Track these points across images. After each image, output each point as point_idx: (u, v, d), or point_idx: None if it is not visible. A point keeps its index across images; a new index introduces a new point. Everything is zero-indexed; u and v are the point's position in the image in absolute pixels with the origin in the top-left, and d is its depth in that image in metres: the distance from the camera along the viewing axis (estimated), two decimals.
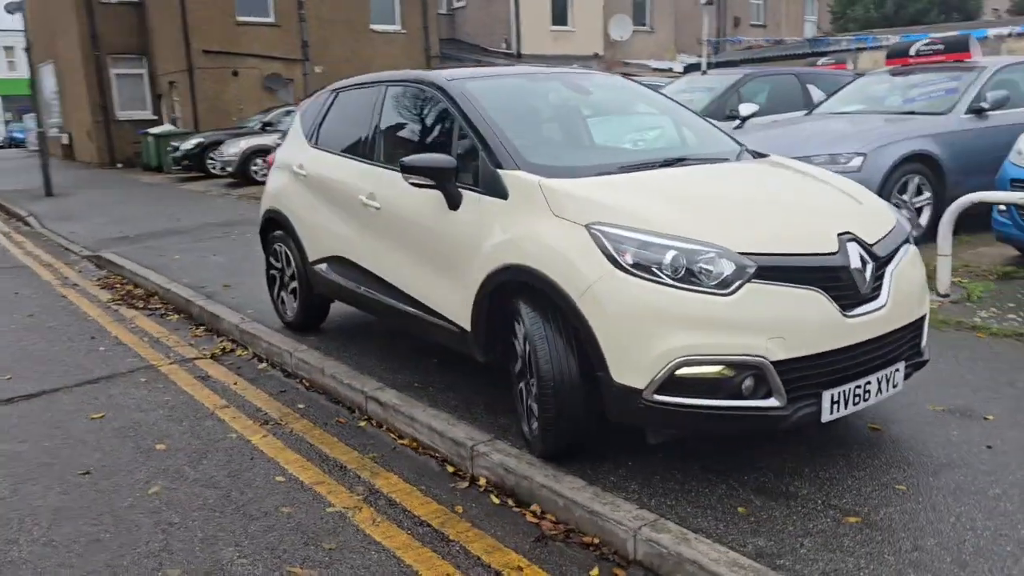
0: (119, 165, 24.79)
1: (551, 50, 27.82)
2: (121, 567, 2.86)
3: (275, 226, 5.44)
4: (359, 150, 4.55)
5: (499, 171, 3.48)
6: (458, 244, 3.64)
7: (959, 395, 3.83)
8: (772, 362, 2.83)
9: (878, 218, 3.35)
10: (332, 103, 5.07)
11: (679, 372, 2.83)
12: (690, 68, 22.38)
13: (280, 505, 3.28)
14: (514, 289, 3.36)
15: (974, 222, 6.25)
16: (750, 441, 3.39)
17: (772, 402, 2.86)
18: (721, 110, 8.83)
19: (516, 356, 3.47)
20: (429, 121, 4.18)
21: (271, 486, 3.45)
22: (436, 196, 3.73)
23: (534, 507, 3.17)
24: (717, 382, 2.85)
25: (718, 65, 18.15)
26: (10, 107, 50.97)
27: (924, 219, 6.71)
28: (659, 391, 2.86)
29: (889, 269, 3.18)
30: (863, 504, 2.88)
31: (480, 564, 2.81)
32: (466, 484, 3.42)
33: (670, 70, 25.47)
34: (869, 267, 3.08)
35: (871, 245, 3.13)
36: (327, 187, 4.77)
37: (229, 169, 16.65)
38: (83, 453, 3.84)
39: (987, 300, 5.26)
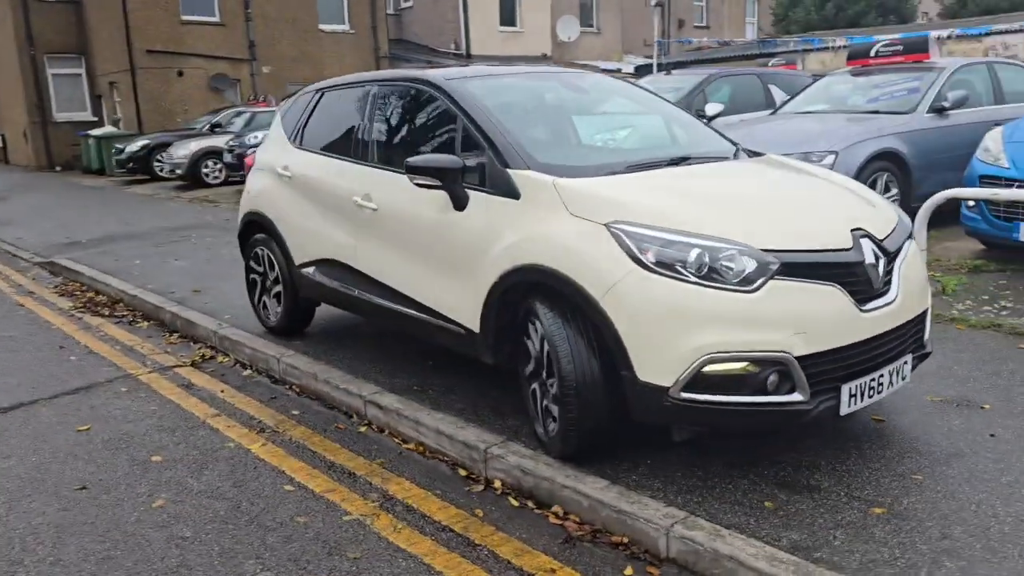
0: (57, 168, 24.00)
1: (500, 51, 27.80)
2: None
3: (257, 229, 5.31)
4: (350, 151, 4.46)
5: (509, 171, 3.45)
6: (465, 245, 3.60)
7: (952, 386, 3.94)
8: (796, 357, 2.86)
9: (883, 214, 3.43)
10: (317, 103, 4.97)
11: (706, 369, 2.85)
12: (641, 69, 22.65)
13: (294, 515, 3.19)
14: (529, 289, 3.33)
15: (936, 218, 6.43)
16: (763, 436, 3.42)
17: (796, 397, 2.89)
18: (687, 110, 8.90)
19: (528, 357, 3.45)
20: (427, 121, 4.12)
21: (281, 495, 3.36)
22: (440, 196, 3.68)
23: (555, 508, 3.14)
24: (743, 378, 2.87)
25: (669, 66, 18.36)
26: None
27: None
28: (686, 388, 2.87)
29: (897, 264, 3.25)
30: (884, 495, 2.94)
31: (512, 568, 2.78)
32: (481, 487, 3.38)
33: (619, 71, 25.69)
34: (881, 262, 3.14)
35: (881, 240, 3.20)
36: (316, 189, 4.67)
37: (179, 172, 16.25)
38: (75, 467, 3.69)
39: (962, 293, 5.43)
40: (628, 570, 2.73)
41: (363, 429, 4.06)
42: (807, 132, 6.87)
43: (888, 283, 3.17)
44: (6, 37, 24.11)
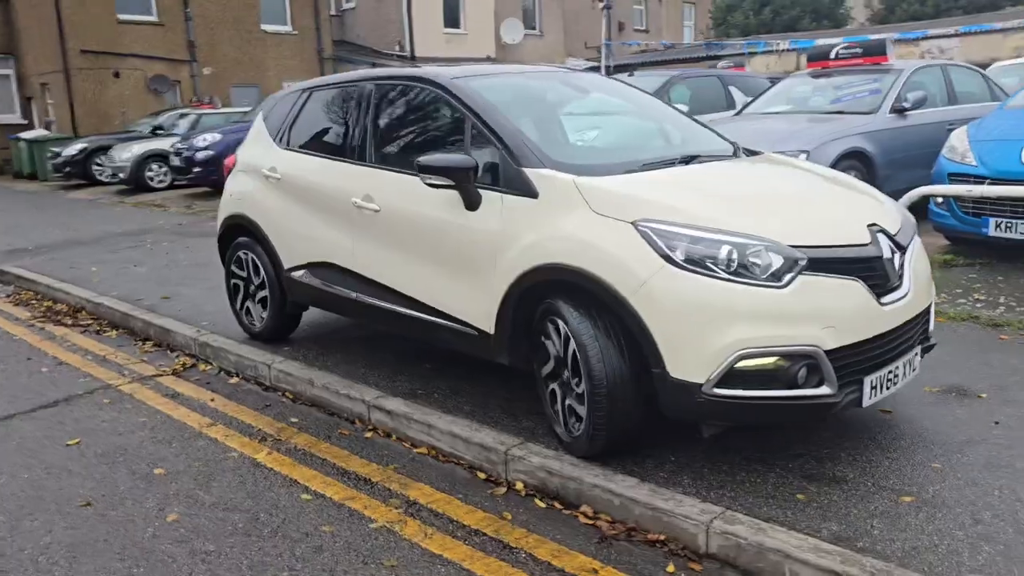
0: None
1: (444, 52, 27.69)
2: None
3: (240, 233, 5.16)
4: (346, 151, 4.36)
5: (525, 170, 3.42)
6: (478, 245, 3.56)
7: (946, 376, 4.06)
8: (825, 351, 2.91)
9: (891, 210, 3.51)
10: (305, 103, 4.85)
11: (739, 365, 2.87)
12: (589, 72, 22.80)
13: (319, 524, 3.11)
14: (550, 289, 3.31)
15: None
16: (779, 429, 3.47)
17: (825, 390, 2.94)
18: None
19: (546, 357, 3.43)
20: (431, 120, 4.07)
21: (300, 505, 3.27)
22: (450, 196, 3.63)
23: (584, 508, 3.13)
24: (774, 373, 2.90)
25: (616, 68, 18.58)
26: None
27: None
28: (719, 384, 2.88)
29: (907, 258, 3.33)
30: (909, 483, 3.00)
31: (554, 569, 2.76)
32: (504, 490, 3.35)
33: None
34: (896, 256, 3.22)
35: (894, 235, 3.28)
36: (308, 190, 4.56)
37: (122, 176, 15.73)
38: (74, 483, 3.52)
39: (935, 287, 5.60)
40: (670, 567, 2.74)
41: (369, 435, 3.98)
42: (778, 132, 7.00)
43: (901, 277, 3.25)
44: None
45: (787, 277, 2.90)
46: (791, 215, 3.17)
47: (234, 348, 5.12)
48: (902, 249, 3.29)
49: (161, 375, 5.04)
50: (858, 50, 8.14)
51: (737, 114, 8.57)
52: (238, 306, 5.33)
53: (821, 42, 17.67)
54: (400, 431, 3.93)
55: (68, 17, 20.13)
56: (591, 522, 3.05)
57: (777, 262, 2.92)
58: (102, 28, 20.66)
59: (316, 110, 4.76)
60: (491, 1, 29.61)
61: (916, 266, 3.38)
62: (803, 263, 2.92)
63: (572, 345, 3.19)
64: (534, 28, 32.63)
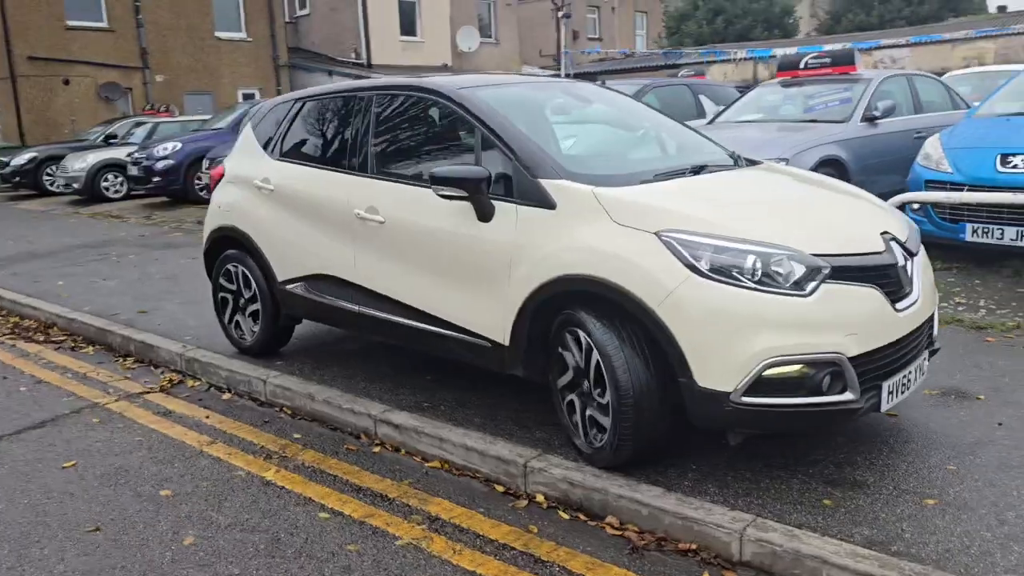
0: None
1: (400, 60, 27.58)
2: None
3: (229, 245, 5.04)
4: (346, 162, 4.30)
5: (541, 181, 3.41)
6: (492, 256, 3.53)
7: (942, 379, 4.15)
8: (848, 358, 2.96)
9: (898, 217, 3.59)
10: (298, 113, 4.77)
11: (766, 373, 2.90)
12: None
13: (343, 543, 3.04)
14: (569, 299, 3.30)
15: None
16: (795, 436, 3.51)
17: (848, 396, 2.98)
18: None
19: (564, 368, 3.42)
20: (438, 131, 4.04)
21: (319, 524, 3.20)
22: (462, 208, 3.60)
23: (610, 519, 3.12)
24: (799, 380, 2.94)
25: (576, 77, 18.71)
26: None
27: None
28: (747, 393, 2.91)
29: (916, 264, 3.41)
30: (929, 486, 3.06)
31: None
32: (525, 502, 3.32)
33: None
34: (908, 263, 3.29)
35: (904, 242, 3.35)
36: (305, 201, 4.48)
37: (76, 186, 15.27)
38: (78, 507, 3.39)
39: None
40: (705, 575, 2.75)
41: (376, 449, 3.92)
42: (755, 140, 7.11)
43: (911, 283, 3.32)
44: None
45: (811, 285, 2.94)
46: (809, 224, 3.22)
47: (224, 363, 5.00)
48: (912, 256, 3.36)
49: (148, 392, 4.90)
50: (827, 60, 8.32)
51: (710, 123, 8.68)
52: (226, 320, 5.21)
53: (779, 51, 18.08)
54: (409, 445, 3.88)
55: (14, 22, 19.57)
56: (619, 533, 3.04)
57: (799, 271, 2.96)
58: (50, 34, 20.12)
59: (311, 120, 4.68)
60: (447, 9, 29.58)
61: (923, 272, 3.46)
62: (826, 271, 2.96)
63: (595, 356, 3.19)
64: (490, 36, 32.68)
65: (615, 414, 3.13)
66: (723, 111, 8.77)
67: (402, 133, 4.21)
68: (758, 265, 2.94)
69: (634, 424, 3.10)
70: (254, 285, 4.90)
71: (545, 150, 3.56)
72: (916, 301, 3.28)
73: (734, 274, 2.94)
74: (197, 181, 13.35)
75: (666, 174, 3.60)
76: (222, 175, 5.21)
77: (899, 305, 3.17)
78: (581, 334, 3.26)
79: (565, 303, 3.33)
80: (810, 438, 3.50)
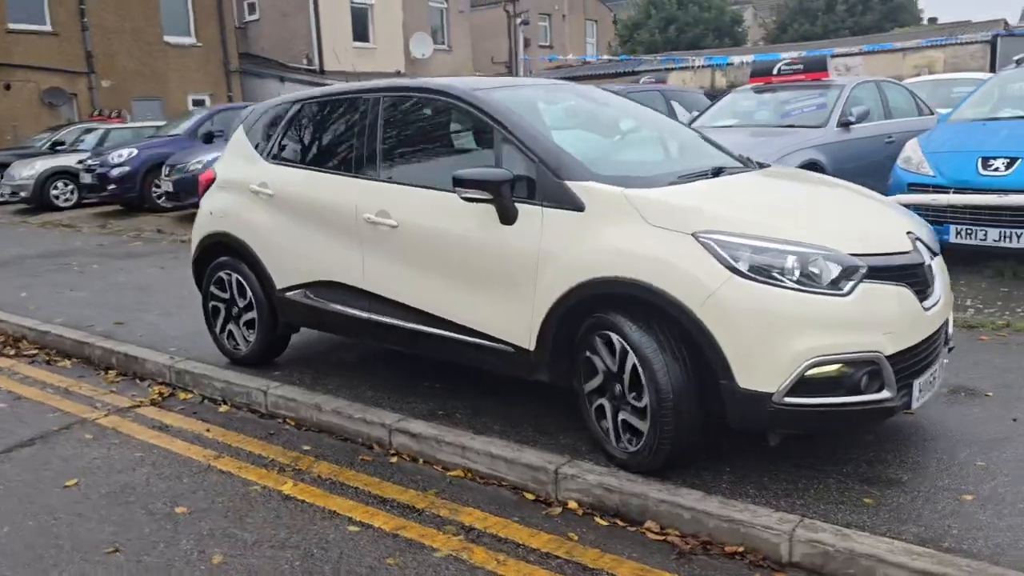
0: None
1: (354, 66, 27.32)
2: None
3: (222, 252, 4.88)
4: (354, 166, 4.18)
5: (567, 183, 3.37)
6: (517, 259, 3.47)
7: (948, 377, 4.16)
8: (886, 356, 2.98)
9: (916, 218, 3.64)
10: (296, 115, 4.63)
11: (808, 373, 2.90)
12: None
13: (381, 557, 2.94)
14: (600, 302, 3.26)
15: None
16: (823, 435, 3.52)
17: (885, 394, 3.00)
18: None
19: (592, 372, 3.38)
20: (452, 134, 3.97)
21: (351, 538, 3.09)
22: (482, 211, 3.54)
23: (649, 524, 3.09)
24: (838, 380, 2.94)
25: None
26: None
27: None
28: (789, 393, 2.91)
29: (937, 264, 3.46)
30: (962, 482, 3.10)
31: None
32: (559, 509, 3.27)
33: None
34: (932, 263, 3.34)
35: (927, 243, 3.40)
36: (308, 206, 4.36)
37: (23, 195, 14.71)
38: (90, 528, 3.22)
39: None
40: None
41: (393, 460, 3.82)
42: (737, 145, 7.15)
43: (934, 282, 3.36)
44: None
45: (849, 285, 2.95)
46: (841, 225, 3.24)
47: (218, 374, 4.83)
48: (934, 255, 3.41)
49: (139, 406, 4.70)
50: (799, 66, 8.46)
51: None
52: (218, 330, 5.04)
53: (736, 59, 18.41)
54: (428, 454, 3.78)
55: None
56: (661, 538, 3.01)
57: (835, 271, 2.97)
58: None
59: (312, 123, 4.56)
60: (399, 15, 29.44)
61: (941, 272, 3.51)
62: (863, 271, 2.98)
63: (631, 359, 3.15)
64: (443, 43, 32.60)
65: (654, 417, 3.10)
66: (697, 117, 8.85)
67: (413, 136, 4.13)
68: (797, 265, 2.95)
69: (674, 427, 3.07)
70: (250, 293, 4.75)
71: (566, 152, 3.51)
72: (939, 300, 3.32)
73: (774, 275, 2.93)
74: (155, 189, 12.97)
75: (688, 176, 3.58)
76: (212, 180, 5.03)
77: (925, 304, 3.21)
78: (614, 337, 3.22)
79: (596, 306, 3.29)
80: (837, 437, 3.52)
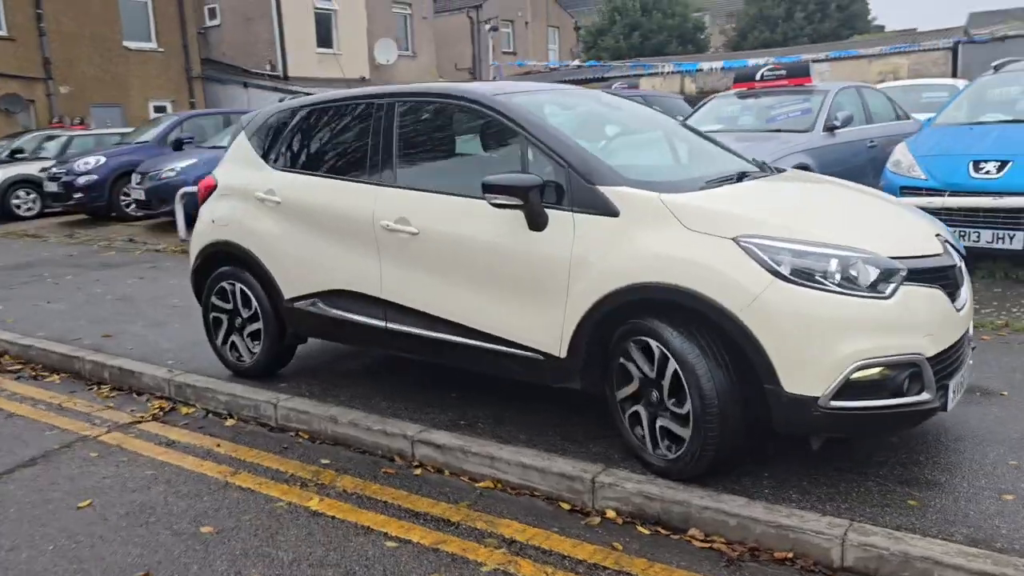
0: None
1: (318, 72, 27.08)
2: None
3: (225, 261, 4.75)
4: (369, 172, 4.09)
5: (599, 188, 3.34)
6: (547, 266, 3.42)
7: None
8: (926, 358, 2.99)
9: (938, 222, 3.68)
10: (304, 121, 4.53)
11: (853, 376, 2.90)
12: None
13: (427, 573, 2.86)
14: (636, 309, 3.23)
15: None
16: (853, 439, 3.52)
17: (925, 396, 3.01)
18: None
19: (626, 379, 3.34)
20: (476, 139, 3.91)
21: (391, 553, 3.01)
22: (510, 217, 3.48)
23: (693, 531, 3.06)
24: (881, 382, 2.95)
25: None
26: None
27: None
28: (835, 397, 2.90)
29: (962, 266, 3.50)
30: (1000, 481, 3.12)
31: None
32: (597, 519, 3.22)
33: None
34: (960, 265, 3.37)
35: (955, 245, 3.43)
36: (319, 214, 4.26)
37: None
38: (115, 551, 3.08)
39: None
40: None
41: (418, 472, 3.74)
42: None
43: (963, 284, 3.40)
44: None
45: (890, 288, 2.96)
46: (876, 228, 3.26)
47: (223, 387, 4.70)
48: (962, 258, 3.44)
49: (140, 422, 4.55)
50: (783, 72, 8.56)
51: None
52: (220, 341, 4.90)
53: (706, 65, 18.61)
54: (454, 466, 3.71)
55: None
56: (706, 545, 2.98)
57: (874, 274, 2.97)
58: None
59: (322, 129, 4.46)
60: (364, 21, 29.24)
61: (963, 274, 3.54)
62: (903, 274, 2.99)
63: (671, 365, 3.12)
64: (407, 49, 32.47)
65: (698, 423, 3.07)
66: (681, 122, 8.88)
67: (432, 141, 4.06)
68: (839, 268, 2.95)
69: (719, 432, 3.05)
70: (255, 303, 4.63)
71: (596, 156, 3.49)
72: (966, 303, 3.36)
73: (817, 278, 2.93)
74: (124, 197, 12.66)
75: (716, 181, 3.57)
76: (212, 187, 4.89)
77: (956, 304, 3.23)
78: (652, 343, 3.19)
79: (631, 312, 3.26)
80: (868, 440, 3.53)
